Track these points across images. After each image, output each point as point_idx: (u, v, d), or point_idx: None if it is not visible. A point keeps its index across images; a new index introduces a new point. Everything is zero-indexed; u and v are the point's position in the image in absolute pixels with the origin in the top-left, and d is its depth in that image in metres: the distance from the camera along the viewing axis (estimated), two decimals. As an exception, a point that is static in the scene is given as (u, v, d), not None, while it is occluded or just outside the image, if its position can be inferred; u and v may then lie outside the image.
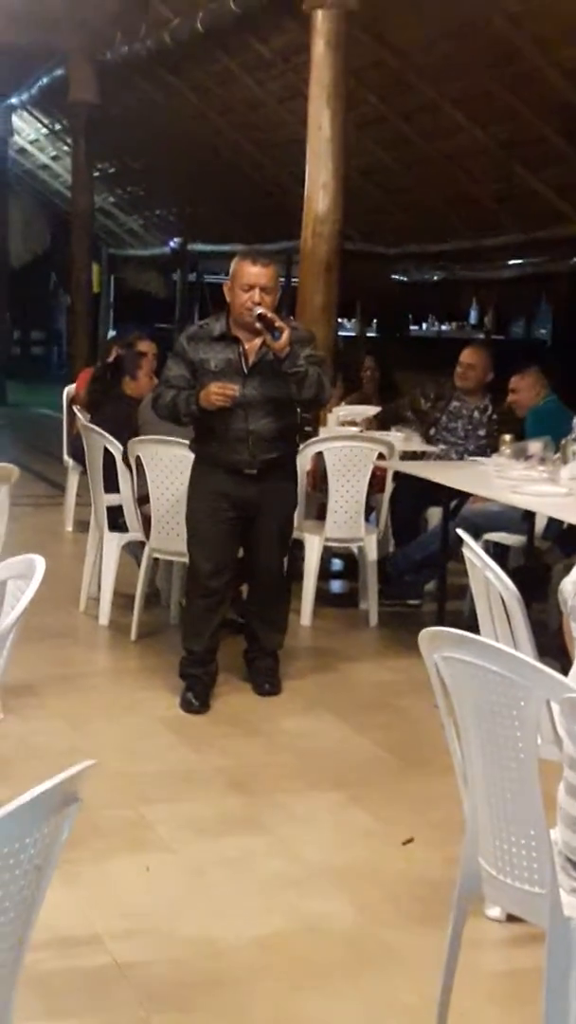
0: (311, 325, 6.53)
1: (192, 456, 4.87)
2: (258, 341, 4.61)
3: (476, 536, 4.49)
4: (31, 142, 17.53)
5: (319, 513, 6.12)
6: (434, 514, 6.18)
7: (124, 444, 5.63)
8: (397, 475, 6.28)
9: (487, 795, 2.27)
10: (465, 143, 9.47)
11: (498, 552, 5.62)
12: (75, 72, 12.78)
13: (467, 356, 6.65)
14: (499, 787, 2.22)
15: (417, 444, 6.68)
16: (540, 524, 5.46)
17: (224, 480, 4.69)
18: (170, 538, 5.36)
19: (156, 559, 5.69)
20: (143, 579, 5.60)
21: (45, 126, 16.25)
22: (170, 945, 3.02)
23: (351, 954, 3.01)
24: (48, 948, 2.87)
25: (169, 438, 5.29)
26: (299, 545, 5.99)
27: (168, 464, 5.36)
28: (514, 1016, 2.77)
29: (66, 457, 8.17)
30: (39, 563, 2.58)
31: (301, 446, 5.92)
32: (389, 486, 6.40)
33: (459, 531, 3.33)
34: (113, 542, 5.80)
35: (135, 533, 5.73)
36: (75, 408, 7.49)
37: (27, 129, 16.89)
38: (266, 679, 4.93)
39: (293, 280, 10.57)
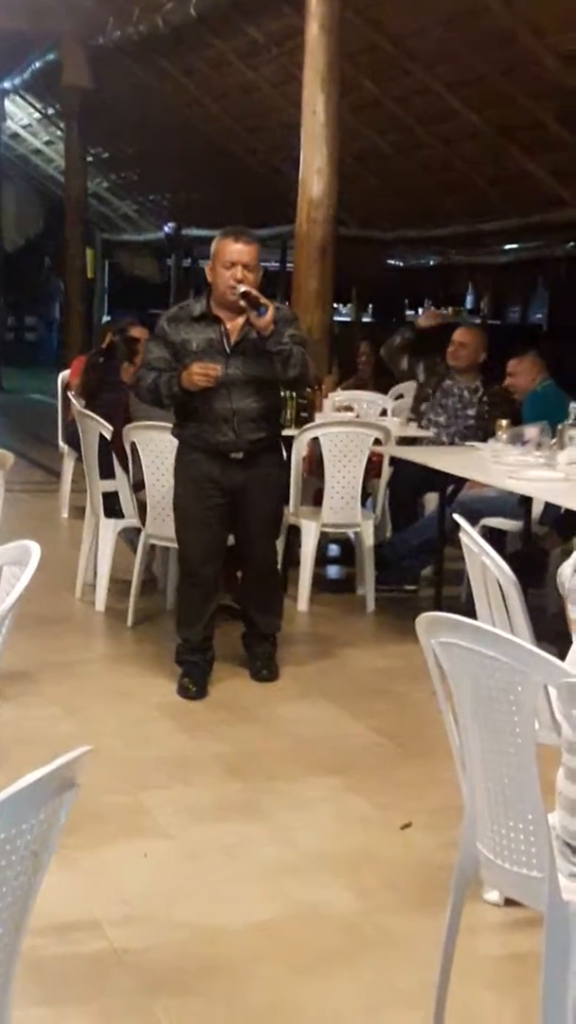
0: (306, 310, 6.54)
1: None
2: (240, 320, 4.55)
3: (473, 521, 4.48)
4: (24, 127, 17.48)
5: (316, 499, 6.11)
6: (431, 499, 6.17)
7: (119, 430, 5.62)
8: (394, 460, 6.28)
9: (485, 780, 2.27)
10: (461, 128, 9.46)
11: (495, 537, 5.61)
12: (68, 57, 12.74)
13: (459, 335, 6.67)
14: (497, 772, 2.22)
15: (412, 429, 6.68)
16: (537, 509, 5.46)
17: (211, 466, 4.63)
18: (166, 524, 5.34)
19: (152, 545, 5.68)
20: (139, 565, 5.60)
21: (38, 111, 16.20)
22: (168, 931, 3.02)
23: (349, 939, 3.01)
24: (46, 934, 2.87)
25: (164, 424, 5.27)
26: (296, 531, 6.00)
27: (163, 450, 5.34)
28: (512, 1000, 2.77)
29: (61, 443, 8.15)
30: (35, 549, 2.56)
31: (297, 432, 5.93)
32: (386, 471, 6.40)
33: (456, 516, 3.32)
34: (109, 528, 5.79)
35: (131, 519, 5.72)
36: (69, 394, 7.47)
37: (20, 114, 16.84)
38: (263, 665, 4.92)
39: (288, 265, 10.54)
